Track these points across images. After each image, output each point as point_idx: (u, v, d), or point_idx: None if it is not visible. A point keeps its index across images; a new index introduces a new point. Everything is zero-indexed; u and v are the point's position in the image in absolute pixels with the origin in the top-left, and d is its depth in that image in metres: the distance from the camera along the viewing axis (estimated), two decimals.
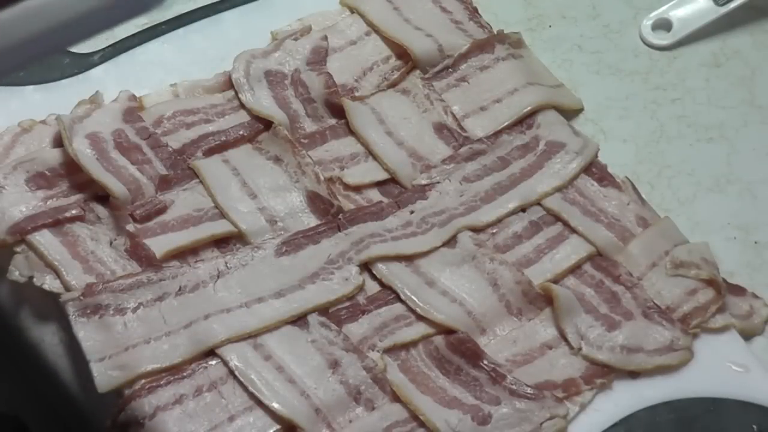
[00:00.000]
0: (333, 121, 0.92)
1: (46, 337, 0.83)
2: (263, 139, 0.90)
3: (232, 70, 0.92)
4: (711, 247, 0.86)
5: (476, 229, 0.86)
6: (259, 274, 0.81)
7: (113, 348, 0.77)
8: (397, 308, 0.82)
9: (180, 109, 0.90)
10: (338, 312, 0.81)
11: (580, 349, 0.81)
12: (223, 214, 0.85)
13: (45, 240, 0.81)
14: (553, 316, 0.82)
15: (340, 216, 0.85)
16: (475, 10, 0.99)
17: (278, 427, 0.76)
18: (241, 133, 0.90)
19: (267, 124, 0.90)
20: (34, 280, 0.80)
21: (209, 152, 0.89)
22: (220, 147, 0.89)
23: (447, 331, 0.81)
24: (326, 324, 0.80)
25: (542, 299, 0.83)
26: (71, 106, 0.90)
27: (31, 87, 0.93)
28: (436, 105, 0.92)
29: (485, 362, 0.79)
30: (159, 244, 0.82)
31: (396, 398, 0.78)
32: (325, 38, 0.96)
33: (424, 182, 0.88)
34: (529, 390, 0.78)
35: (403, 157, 0.89)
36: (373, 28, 0.97)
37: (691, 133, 0.95)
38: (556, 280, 0.84)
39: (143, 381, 0.76)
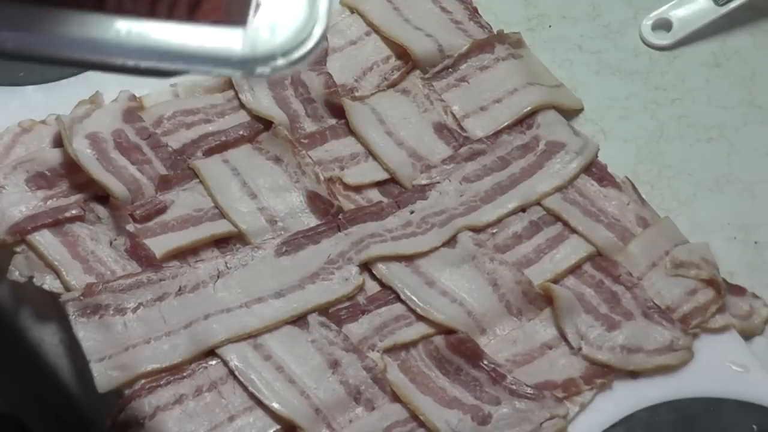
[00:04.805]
0: (333, 121, 0.92)
1: (46, 337, 0.83)
2: (263, 139, 0.90)
3: None
4: (711, 247, 0.86)
5: (476, 229, 0.86)
6: (259, 274, 0.81)
7: (113, 348, 0.77)
8: (397, 308, 0.82)
9: (180, 109, 0.90)
10: (338, 312, 0.81)
11: (580, 349, 0.81)
12: (223, 214, 0.85)
13: (45, 240, 0.81)
14: (553, 316, 0.82)
15: (340, 216, 0.85)
16: (475, 10, 0.99)
17: (278, 427, 0.76)
18: (241, 133, 0.90)
19: (267, 124, 0.90)
20: (34, 280, 0.80)
21: (209, 152, 0.89)
22: (220, 147, 0.89)
23: (447, 331, 0.81)
24: (326, 324, 0.80)
25: (542, 299, 0.83)
26: (71, 106, 0.89)
27: (31, 87, 0.93)
28: (436, 105, 0.92)
29: (485, 362, 0.79)
30: (159, 244, 0.82)
31: (396, 398, 0.78)
32: (326, 38, 0.96)
33: (424, 182, 0.88)
34: (529, 390, 0.78)
35: (403, 157, 0.89)
36: (373, 28, 0.97)
37: (691, 133, 0.95)
38: (556, 280, 0.84)
39: (143, 381, 0.76)
